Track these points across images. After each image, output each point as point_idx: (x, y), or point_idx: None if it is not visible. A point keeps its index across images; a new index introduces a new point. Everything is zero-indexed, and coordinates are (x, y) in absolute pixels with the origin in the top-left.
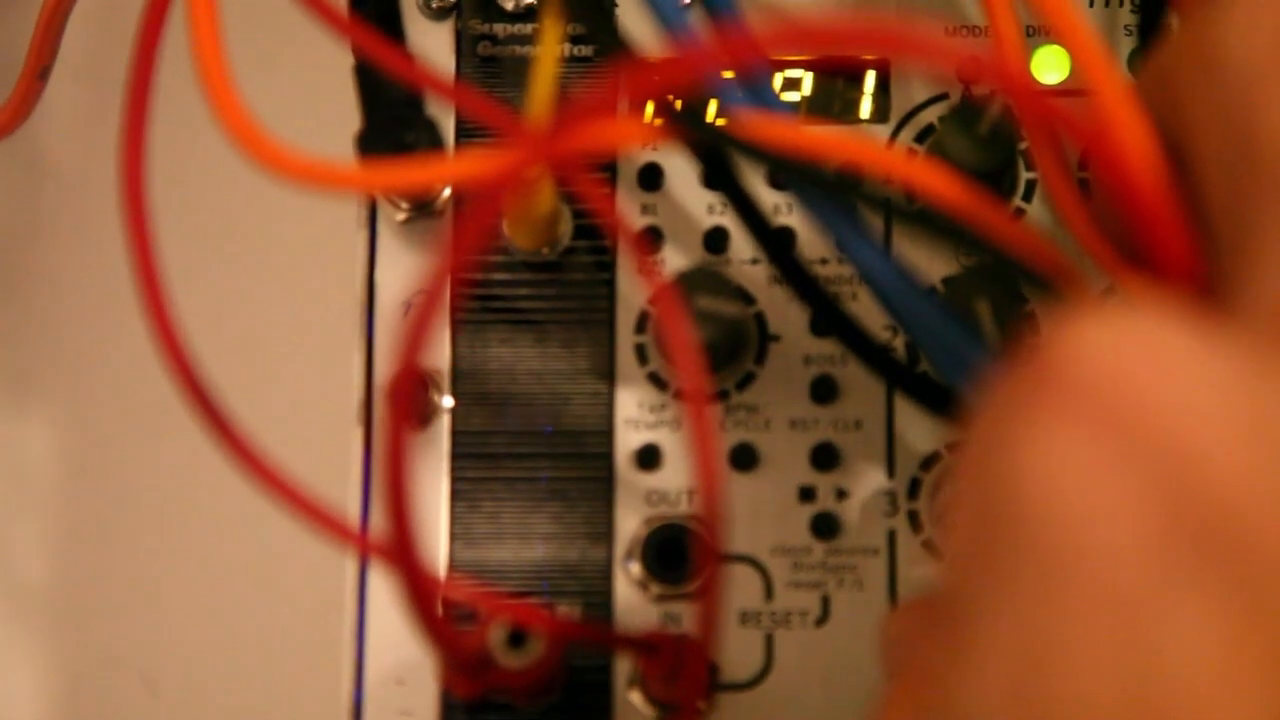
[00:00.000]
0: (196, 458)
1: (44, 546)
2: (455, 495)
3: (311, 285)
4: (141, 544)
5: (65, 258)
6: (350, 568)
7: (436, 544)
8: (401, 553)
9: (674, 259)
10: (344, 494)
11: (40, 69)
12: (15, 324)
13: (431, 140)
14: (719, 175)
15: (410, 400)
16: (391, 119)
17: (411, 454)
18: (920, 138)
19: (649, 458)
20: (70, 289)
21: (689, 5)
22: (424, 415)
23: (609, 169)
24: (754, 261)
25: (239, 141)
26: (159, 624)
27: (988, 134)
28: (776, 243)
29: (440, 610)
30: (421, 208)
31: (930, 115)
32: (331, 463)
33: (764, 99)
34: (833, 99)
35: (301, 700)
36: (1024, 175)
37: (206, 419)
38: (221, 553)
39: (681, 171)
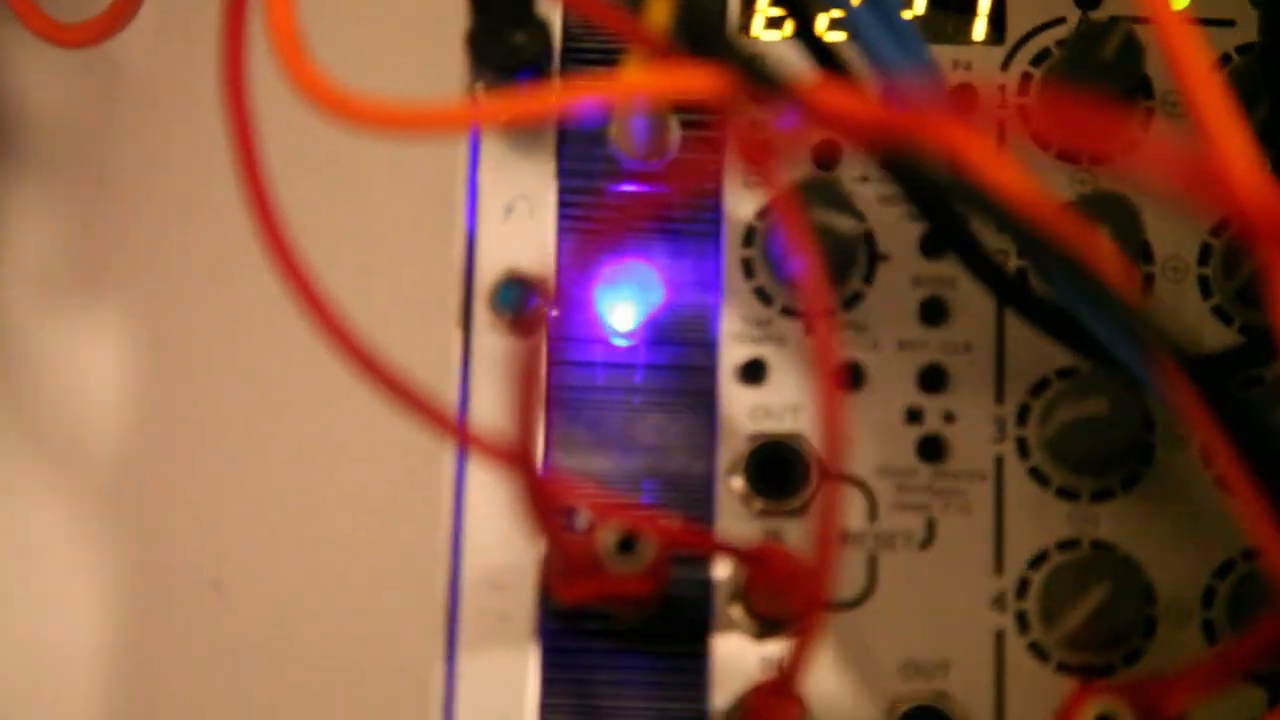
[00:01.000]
0: (270, 357)
1: (114, 447)
2: (555, 403)
3: (412, 184)
4: (214, 445)
5: (138, 159)
6: (447, 469)
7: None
8: (522, 451)
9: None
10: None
11: None
12: (88, 225)
13: (541, 42)
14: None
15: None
16: (501, 18)
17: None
18: (1036, 61)
19: (753, 372)
20: (142, 190)
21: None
22: (531, 323)
23: None
24: (863, 179)
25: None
26: (230, 525)
27: (1113, 57)
28: None
29: (549, 512)
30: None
31: (1047, 39)
32: (429, 365)
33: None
34: (946, 20)
35: (378, 609)
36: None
37: (306, 303)
38: (296, 455)
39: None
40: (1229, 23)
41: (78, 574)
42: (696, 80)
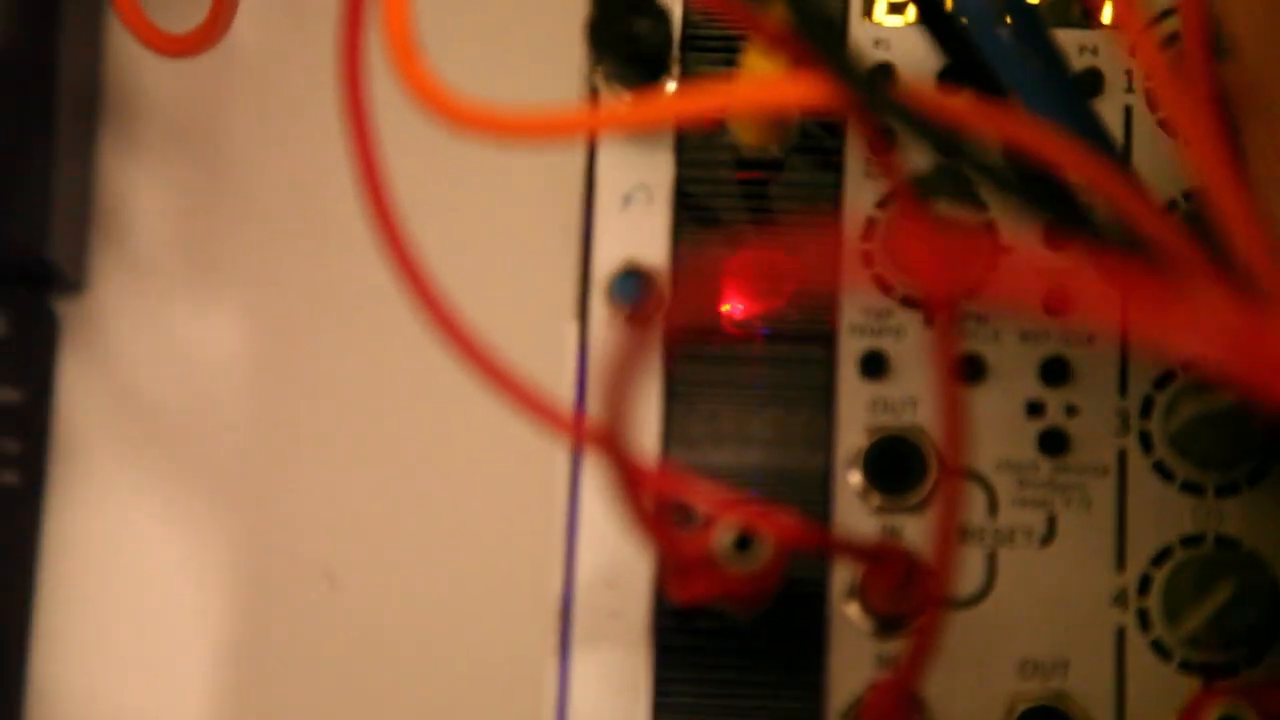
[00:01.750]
0: (387, 348)
1: (228, 437)
2: (671, 396)
3: (530, 174)
4: (328, 436)
5: (253, 145)
6: (562, 463)
7: (650, 445)
8: (617, 449)
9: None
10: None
11: None
12: (203, 213)
13: (662, 32)
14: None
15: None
16: (622, 6)
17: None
18: (1167, 44)
19: (874, 365)
20: (258, 177)
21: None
22: (648, 315)
23: None
24: (984, 169)
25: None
26: (343, 519)
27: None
28: None
29: (660, 509)
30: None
31: (1176, 23)
32: (544, 358)
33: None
34: (1070, 2)
35: (497, 602)
36: None
37: (418, 295)
38: (411, 447)
39: (915, 71)
40: None
41: (189, 568)
42: (812, 91)
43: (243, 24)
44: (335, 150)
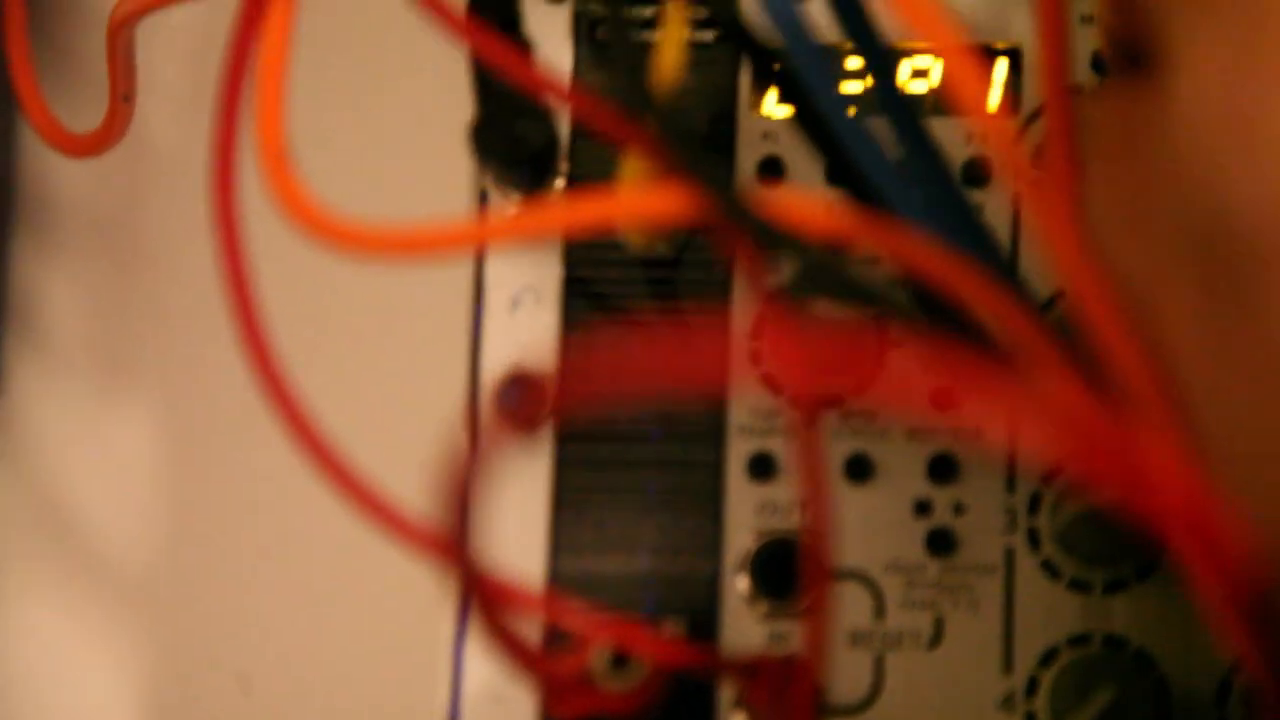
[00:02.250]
0: (297, 453)
1: (139, 541)
2: (559, 504)
3: (418, 280)
4: (238, 540)
5: (167, 246)
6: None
7: (538, 554)
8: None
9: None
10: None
11: (122, 94)
12: (116, 307)
13: (545, 133)
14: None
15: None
16: (504, 107)
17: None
18: None
19: (762, 467)
20: (170, 273)
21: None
22: (532, 420)
23: (728, 157)
24: (874, 261)
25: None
26: (254, 622)
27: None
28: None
29: (541, 632)
30: (534, 199)
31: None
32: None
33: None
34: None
35: (397, 708)
36: None
37: (279, 408)
38: (320, 551)
39: (803, 164)
40: None
41: (102, 670)
42: (680, 201)
43: (157, 123)
44: (254, 243)
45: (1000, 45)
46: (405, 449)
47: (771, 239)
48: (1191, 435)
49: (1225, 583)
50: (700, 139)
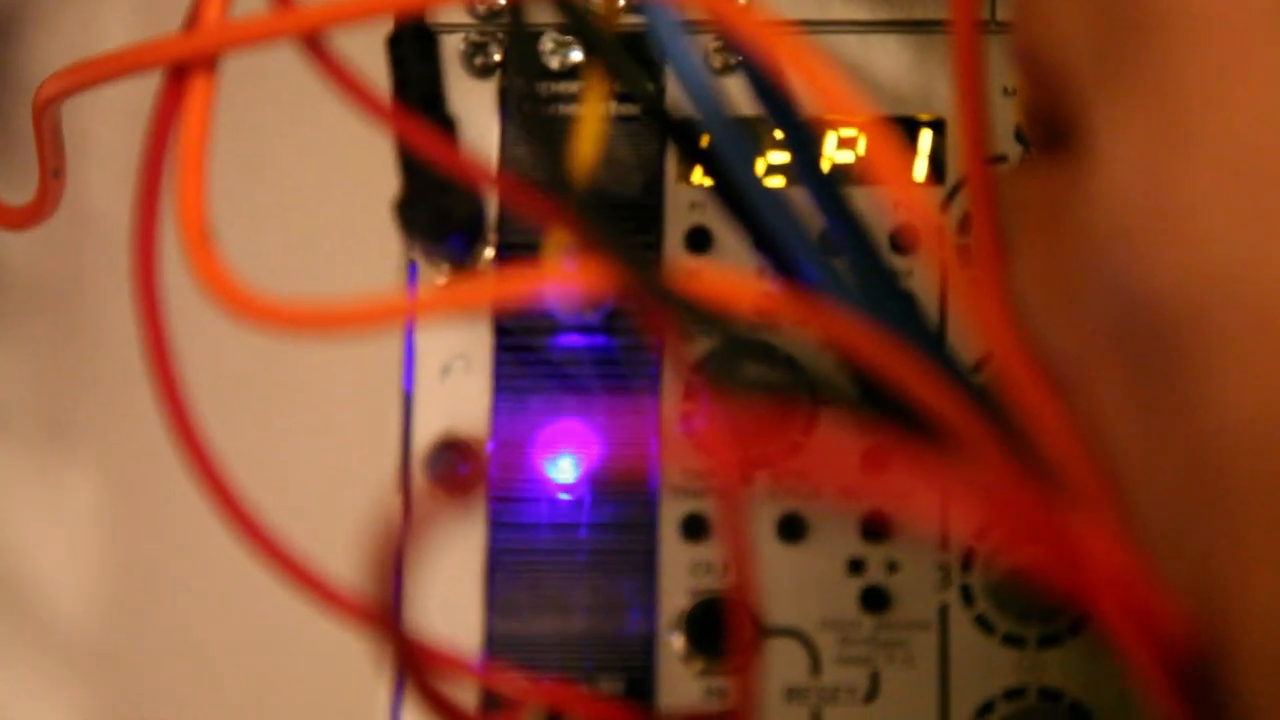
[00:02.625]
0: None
1: (86, 602)
2: (493, 567)
3: (349, 348)
4: (184, 601)
5: (109, 311)
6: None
7: (474, 617)
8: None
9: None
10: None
11: (52, 170)
12: (59, 374)
13: (471, 207)
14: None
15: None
16: (428, 182)
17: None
18: None
19: (695, 527)
20: (114, 343)
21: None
22: (464, 484)
23: (655, 229)
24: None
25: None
26: (201, 682)
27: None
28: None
29: (478, 695)
30: (463, 269)
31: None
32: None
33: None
34: None
35: None
36: None
37: (197, 467)
38: (264, 611)
39: (732, 234)
40: None
41: None
42: (603, 277)
43: (96, 190)
44: (184, 312)
45: (924, 116)
46: (337, 518)
47: (691, 316)
48: (1120, 510)
49: (1154, 655)
50: (630, 210)
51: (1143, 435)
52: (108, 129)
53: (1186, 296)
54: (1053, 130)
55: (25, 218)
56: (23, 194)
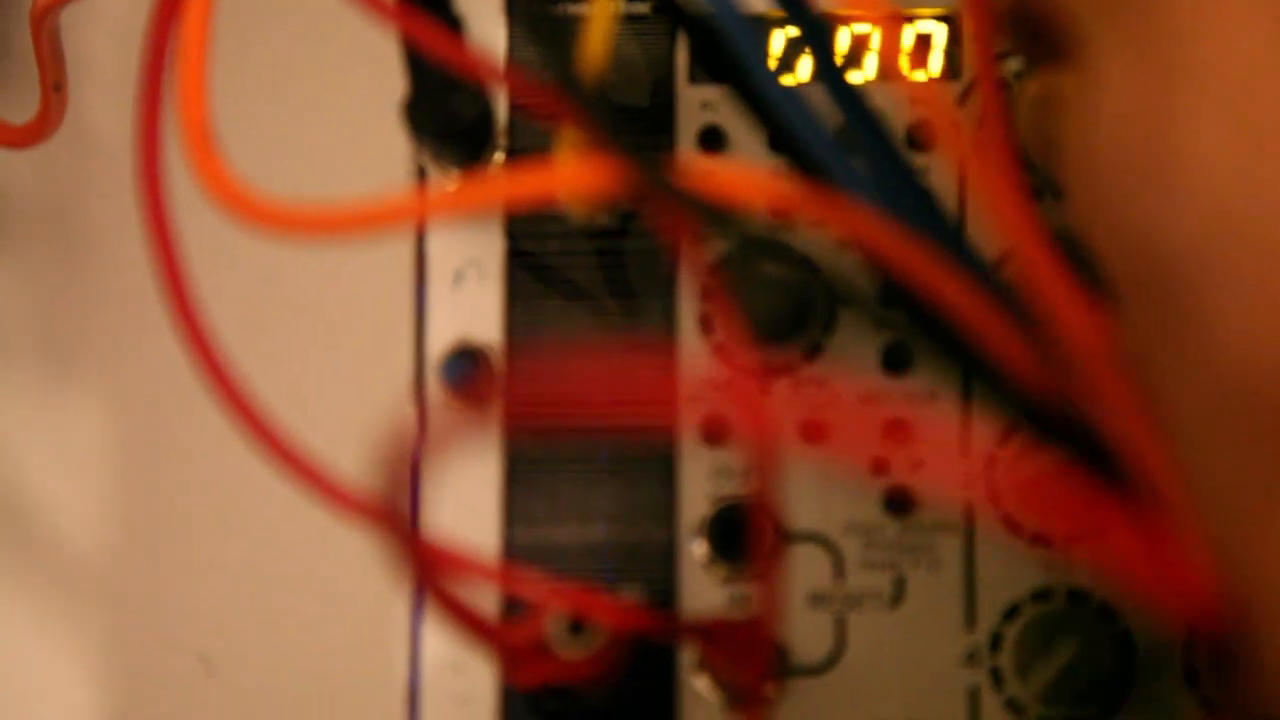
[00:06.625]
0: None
1: (96, 527)
2: (511, 475)
3: (360, 257)
4: (194, 522)
5: (112, 233)
6: None
7: (492, 526)
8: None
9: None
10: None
11: (54, 84)
12: (63, 297)
13: (479, 107)
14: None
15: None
16: (436, 82)
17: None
18: None
19: (715, 432)
20: (117, 264)
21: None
22: (482, 394)
23: (667, 130)
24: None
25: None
26: (215, 604)
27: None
28: None
29: (499, 602)
30: (472, 173)
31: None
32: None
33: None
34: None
35: (359, 681)
36: None
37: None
38: (278, 529)
39: (745, 133)
40: None
41: (61, 658)
42: (610, 174)
43: (96, 110)
44: (191, 232)
45: (939, 12)
46: (352, 426)
47: (705, 213)
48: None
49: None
50: (640, 111)
51: (1167, 364)
52: (103, 47)
53: (1188, 243)
54: (1045, 43)
55: (29, 135)
56: (25, 116)
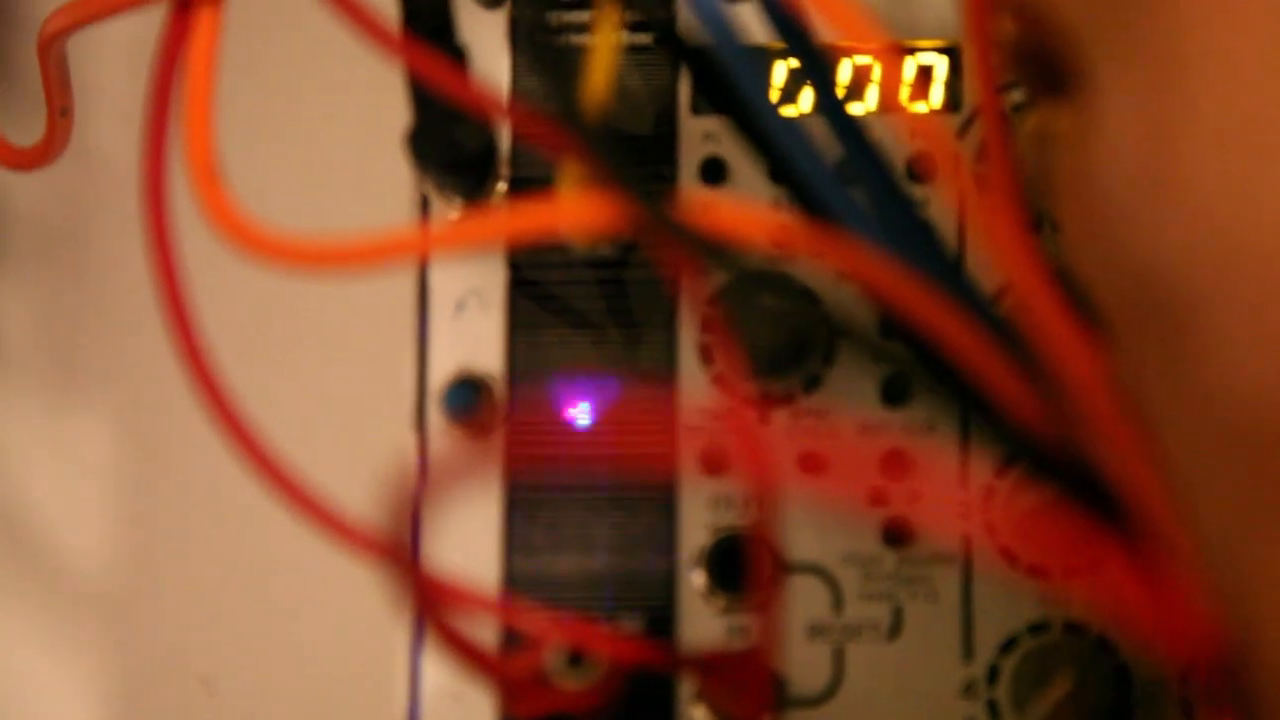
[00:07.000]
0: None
1: (99, 547)
2: (512, 506)
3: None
4: (198, 543)
5: (118, 254)
6: None
7: (492, 556)
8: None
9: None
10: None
11: (60, 108)
12: (67, 318)
13: (482, 138)
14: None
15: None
16: (440, 114)
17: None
18: None
19: (715, 462)
20: (123, 285)
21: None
22: (484, 423)
23: (669, 161)
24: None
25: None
26: (216, 624)
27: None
28: None
29: (498, 633)
30: (476, 203)
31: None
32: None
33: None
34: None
35: (359, 708)
36: None
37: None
38: (281, 552)
39: (746, 164)
40: None
41: (65, 676)
42: (613, 211)
43: (103, 132)
44: (195, 257)
45: (940, 44)
46: (354, 454)
47: (707, 248)
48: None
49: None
50: (642, 142)
51: (1166, 397)
52: (111, 70)
53: (1186, 272)
54: (1047, 75)
55: (34, 158)
56: (31, 138)
